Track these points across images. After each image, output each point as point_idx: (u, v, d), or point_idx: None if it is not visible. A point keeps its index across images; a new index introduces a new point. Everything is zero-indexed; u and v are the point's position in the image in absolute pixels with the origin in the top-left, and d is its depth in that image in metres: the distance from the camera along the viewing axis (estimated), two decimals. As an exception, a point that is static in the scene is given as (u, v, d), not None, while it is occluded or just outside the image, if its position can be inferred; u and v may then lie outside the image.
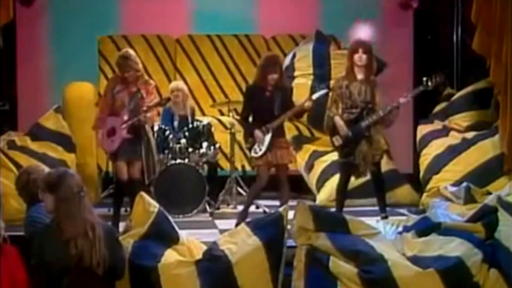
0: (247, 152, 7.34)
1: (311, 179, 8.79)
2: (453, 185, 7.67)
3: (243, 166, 9.24)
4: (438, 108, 8.99)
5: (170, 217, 5.55)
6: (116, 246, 4.68)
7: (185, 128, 8.32)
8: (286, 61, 9.37)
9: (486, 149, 7.93)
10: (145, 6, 9.92)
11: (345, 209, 7.00)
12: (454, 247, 5.27)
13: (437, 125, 8.70)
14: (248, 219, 5.67)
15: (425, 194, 8.06)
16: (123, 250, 4.89)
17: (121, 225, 6.22)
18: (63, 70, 9.73)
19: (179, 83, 8.83)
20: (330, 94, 7.18)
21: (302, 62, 9.31)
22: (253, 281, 5.16)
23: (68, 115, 8.81)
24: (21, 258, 4.80)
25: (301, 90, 8.92)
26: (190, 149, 8.20)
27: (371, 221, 6.34)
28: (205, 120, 8.63)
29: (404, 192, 8.52)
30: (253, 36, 10.04)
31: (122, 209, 7.26)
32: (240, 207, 7.25)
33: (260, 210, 8.04)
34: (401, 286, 5.12)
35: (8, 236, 4.99)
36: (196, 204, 7.98)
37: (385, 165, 7.99)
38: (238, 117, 7.72)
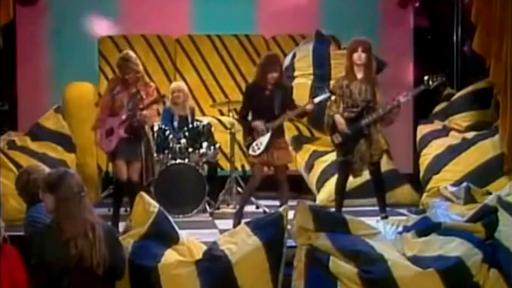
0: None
1: (311, 179, 8.79)
2: (453, 185, 7.67)
3: (243, 166, 9.24)
4: (438, 108, 8.99)
5: (170, 217, 5.55)
6: (116, 246, 4.68)
7: (185, 128, 8.32)
8: (286, 61, 9.36)
9: (486, 149, 7.93)
10: (145, 6, 9.93)
11: (345, 209, 7.00)
12: (454, 247, 5.27)
13: (437, 125, 8.70)
14: (248, 219, 5.65)
15: (425, 194, 8.06)
16: (123, 250, 4.89)
17: (121, 225, 6.22)
18: (63, 70, 9.73)
19: (180, 84, 8.83)
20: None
21: (302, 62, 9.31)
22: (253, 281, 5.16)
23: (68, 115, 8.81)
24: (21, 258, 4.80)
25: (301, 90, 8.92)
26: (190, 149, 8.21)
27: (371, 221, 6.33)
28: (205, 120, 8.63)
29: (404, 192, 8.52)
30: (253, 36, 10.04)
31: (122, 209, 7.27)
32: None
33: (260, 210, 8.05)
34: (401, 286, 5.12)
35: (8, 236, 4.98)
36: (196, 204, 7.98)
37: (385, 165, 7.99)
38: (237, 116, 7.72)
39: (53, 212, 4.53)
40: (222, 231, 6.67)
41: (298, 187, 8.90)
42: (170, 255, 5.26)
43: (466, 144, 8.14)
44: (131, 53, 7.17)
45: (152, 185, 7.87)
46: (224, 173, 8.83)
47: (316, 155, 8.89)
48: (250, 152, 6.94)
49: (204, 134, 8.35)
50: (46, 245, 4.46)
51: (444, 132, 8.53)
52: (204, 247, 5.41)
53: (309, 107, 7.00)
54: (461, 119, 8.55)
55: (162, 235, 5.38)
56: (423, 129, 8.70)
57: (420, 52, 10.11)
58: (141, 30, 9.87)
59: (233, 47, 10.00)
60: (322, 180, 8.56)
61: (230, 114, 8.47)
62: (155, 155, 7.99)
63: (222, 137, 8.69)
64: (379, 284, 5.14)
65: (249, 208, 8.06)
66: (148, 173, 7.19)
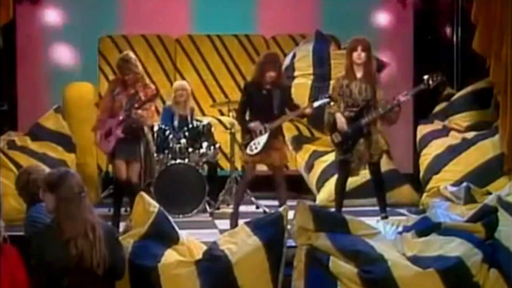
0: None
1: (311, 179, 8.79)
2: (453, 185, 7.66)
3: (243, 166, 9.21)
4: (438, 108, 8.99)
5: (170, 217, 5.55)
6: (116, 246, 4.68)
7: (185, 128, 8.32)
8: (286, 61, 9.37)
9: (486, 149, 7.93)
10: (145, 6, 9.93)
11: (345, 209, 7.00)
12: (454, 247, 5.27)
13: (437, 125, 8.70)
14: (248, 219, 5.66)
15: (425, 194, 8.06)
16: (123, 250, 4.89)
17: (121, 225, 6.22)
18: (63, 70, 9.73)
19: (183, 83, 8.82)
20: (331, 93, 7.19)
21: (302, 62, 9.31)
22: (253, 281, 5.16)
23: (68, 115, 8.81)
24: (21, 258, 4.80)
25: (301, 90, 8.94)
26: (190, 149, 8.21)
27: (371, 221, 6.34)
28: (205, 120, 8.63)
29: (404, 192, 8.52)
30: (253, 36, 10.04)
31: (122, 209, 7.27)
32: (240, 207, 7.26)
33: (260, 210, 8.06)
34: (401, 286, 5.12)
35: (8, 236, 4.99)
36: (196, 204, 7.98)
37: (385, 165, 7.98)
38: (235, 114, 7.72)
39: (53, 212, 4.53)
40: (222, 231, 6.67)
41: (298, 187, 8.91)
42: (170, 255, 5.26)
43: (466, 144, 8.14)
44: (131, 54, 7.18)
45: (152, 185, 7.88)
46: (224, 173, 8.82)
47: (316, 155, 8.88)
48: (248, 151, 6.95)
49: (204, 134, 8.35)
50: (46, 245, 4.46)
51: (444, 132, 8.53)
52: (204, 247, 5.41)
53: (308, 110, 7.03)
54: (461, 119, 8.54)
55: (162, 235, 5.38)
56: (423, 129, 8.70)
57: (420, 52, 10.11)
58: (141, 30, 9.87)
59: (233, 47, 10.00)
60: (322, 180, 8.56)
61: (230, 114, 8.47)
62: (155, 155, 8.00)
63: (222, 137, 8.69)
64: (379, 284, 5.14)
65: (249, 208, 8.08)
66: (147, 174, 7.20)
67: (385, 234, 5.87)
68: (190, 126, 8.36)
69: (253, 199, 8.29)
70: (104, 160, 8.61)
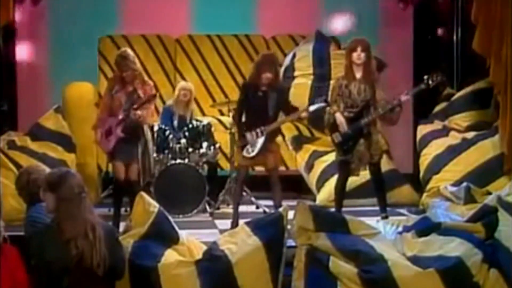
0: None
1: (311, 179, 8.79)
2: (453, 185, 7.66)
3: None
4: (438, 108, 8.98)
5: (170, 217, 5.55)
6: (116, 246, 4.68)
7: (185, 128, 8.32)
8: (286, 61, 9.37)
9: (486, 149, 7.93)
10: (145, 6, 9.92)
11: (345, 209, 7.00)
12: (454, 247, 5.27)
13: (437, 125, 8.69)
14: (248, 219, 5.66)
15: (425, 194, 8.05)
16: (123, 250, 4.89)
17: (121, 225, 6.22)
18: (63, 70, 9.73)
19: (189, 84, 8.81)
20: (330, 93, 7.20)
21: (302, 62, 9.31)
22: (253, 281, 5.16)
23: (68, 115, 8.80)
24: (21, 258, 4.80)
25: (301, 90, 8.94)
26: (190, 149, 8.21)
27: (371, 221, 6.34)
28: (205, 120, 8.63)
29: (404, 192, 8.52)
30: (253, 36, 10.04)
31: (122, 209, 7.27)
32: (240, 207, 7.26)
33: (260, 210, 8.06)
34: (401, 286, 5.12)
35: (8, 236, 4.99)
36: (196, 204, 7.98)
37: (385, 165, 7.98)
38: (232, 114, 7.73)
39: (54, 212, 4.53)
40: (222, 231, 6.68)
41: (298, 187, 8.91)
42: (170, 255, 5.26)
43: (466, 144, 8.14)
44: (129, 51, 7.17)
45: (152, 185, 7.88)
46: (224, 173, 8.82)
47: (316, 155, 8.88)
48: (244, 153, 6.98)
49: (204, 134, 8.35)
50: (46, 245, 4.46)
51: (444, 132, 8.53)
52: (204, 247, 5.41)
53: (304, 115, 7.07)
54: (461, 119, 8.54)
55: (162, 235, 5.38)
56: (423, 129, 8.70)
57: (420, 52, 10.11)
58: (141, 30, 9.86)
59: (233, 47, 9.99)
60: (322, 180, 8.55)
61: (230, 114, 8.46)
62: (154, 155, 8.00)
63: (222, 137, 8.69)
64: (379, 284, 5.14)
65: (249, 208, 8.08)
66: (145, 173, 7.19)
67: (385, 234, 5.87)
68: (190, 126, 8.36)
69: (253, 199, 8.29)
70: (104, 160, 8.61)
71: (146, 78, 7.30)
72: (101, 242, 4.47)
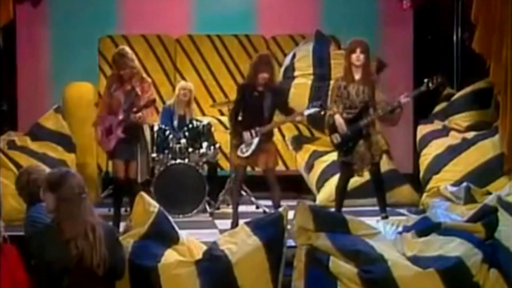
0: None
1: (311, 179, 8.79)
2: (453, 185, 7.66)
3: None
4: (438, 108, 8.98)
5: (170, 217, 5.55)
6: (116, 246, 4.68)
7: (185, 128, 8.32)
8: (286, 61, 9.37)
9: (486, 149, 7.93)
10: (145, 6, 9.93)
11: (345, 209, 7.01)
12: (454, 247, 5.27)
13: (437, 125, 8.69)
14: (248, 219, 5.66)
15: (425, 194, 8.05)
16: (123, 250, 4.89)
17: (121, 225, 6.22)
18: (63, 70, 9.73)
19: (190, 85, 8.81)
20: (330, 94, 7.20)
21: (302, 62, 9.30)
22: (253, 281, 5.16)
23: (68, 115, 8.81)
24: (21, 258, 4.80)
25: (301, 90, 8.94)
26: (190, 149, 8.21)
27: (371, 221, 6.34)
28: (205, 120, 8.64)
29: (404, 192, 8.52)
30: (253, 36, 10.04)
31: (122, 209, 7.27)
32: (240, 207, 7.26)
33: (260, 210, 8.06)
34: (401, 286, 5.12)
35: (8, 236, 4.99)
36: (196, 204, 7.98)
37: (385, 165, 7.99)
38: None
39: (54, 212, 4.52)
40: (222, 231, 6.68)
41: (298, 187, 8.91)
42: (170, 255, 5.26)
43: (466, 144, 8.14)
44: (127, 49, 7.14)
45: (152, 185, 7.88)
46: (224, 173, 8.82)
47: (316, 155, 8.88)
48: (239, 153, 6.99)
49: (204, 134, 8.35)
50: (46, 245, 4.45)
51: (444, 132, 8.53)
52: (204, 247, 5.41)
53: (299, 118, 7.11)
54: (461, 119, 8.54)
55: (162, 235, 5.38)
56: (423, 129, 8.70)
57: (420, 52, 10.11)
58: (141, 30, 9.87)
59: (233, 47, 10.00)
60: (322, 180, 8.55)
61: (230, 114, 8.47)
62: (154, 155, 8.00)
63: (222, 137, 8.68)
64: (379, 284, 5.14)
65: (249, 208, 8.09)
66: (142, 173, 7.18)
67: (385, 234, 5.87)
68: (190, 126, 8.36)
69: (253, 199, 8.30)
70: (104, 160, 8.62)
71: (144, 75, 7.28)
72: (101, 242, 4.47)
